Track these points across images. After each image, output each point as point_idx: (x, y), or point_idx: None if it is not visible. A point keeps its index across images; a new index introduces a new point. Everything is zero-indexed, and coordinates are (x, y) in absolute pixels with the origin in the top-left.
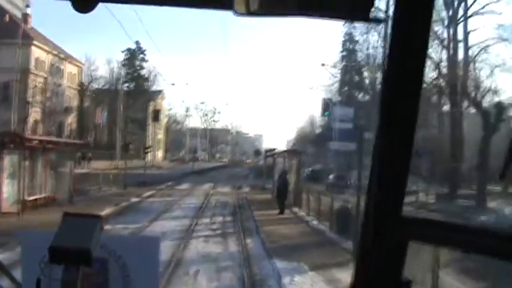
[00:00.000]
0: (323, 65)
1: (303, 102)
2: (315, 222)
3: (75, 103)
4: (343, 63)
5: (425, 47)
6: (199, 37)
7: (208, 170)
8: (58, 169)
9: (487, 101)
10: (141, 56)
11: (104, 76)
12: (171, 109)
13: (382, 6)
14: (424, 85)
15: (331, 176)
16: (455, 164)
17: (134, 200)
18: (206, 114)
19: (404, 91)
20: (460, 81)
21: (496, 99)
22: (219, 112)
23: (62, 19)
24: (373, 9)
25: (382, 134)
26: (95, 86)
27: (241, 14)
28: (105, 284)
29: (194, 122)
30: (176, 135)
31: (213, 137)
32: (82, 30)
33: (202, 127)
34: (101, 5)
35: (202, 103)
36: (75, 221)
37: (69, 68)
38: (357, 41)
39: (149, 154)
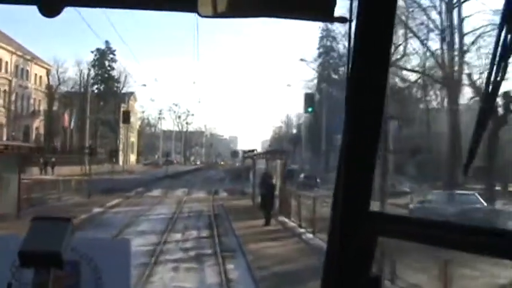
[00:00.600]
0: (302, 60)
1: (278, 101)
2: (309, 236)
3: (43, 106)
4: (320, 59)
5: (389, 45)
6: (169, 39)
7: (182, 173)
8: (3, 177)
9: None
10: (111, 56)
11: (73, 78)
12: (143, 111)
13: (346, 5)
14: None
15: (301, 176)
16: (452, 161)
17: (96, 210)
18: (179, 117)
19: (369, 90)
20: (458, 71)
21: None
22: (193, 114)
23: (28, 20)
24: (336, 9)
25: (349, 131)
26: (64, 88)
27: (206, 16)
28: (77, 287)
29: (167, 124)
30: (150, 139)
31: (188, 140)
32: (50, 32)
33: (176, 129)
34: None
35: (176, 105)
36: (45, 224)
37: (35, 70)
38: (334, 38)
39: (121, 158)
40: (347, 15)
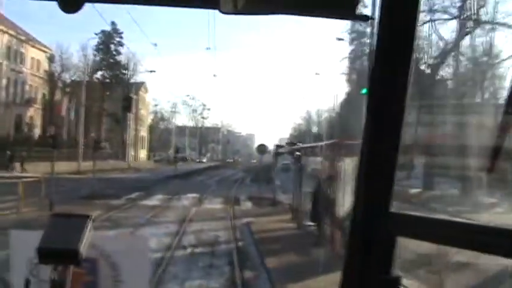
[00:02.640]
0: (339, 39)
1: (298, 98)
2: None
3: (40, 94)
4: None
5: (412, 43)
6: (187, 34)
7: (195, 172)
8: None
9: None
10: (118, 39)
11: (78, 65)
12: (157, 105)
13: (369, 3)
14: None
15: None
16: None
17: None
18: (195, 111)
19: (391, 90)
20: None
21: None
22: (209, 108)
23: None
24: (359, 7)
25: (370, 132)
26: (67, 76)
27: (228, 13)
28: (95, 284)
29: (182, 119)
30: (163, 133)
31: (203, 136)
32: (55, 15)
33: (190, 124)
34: None
35: (192, 98)
36: (63, 221)
37: (32, 53)
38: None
39: (131, 154)
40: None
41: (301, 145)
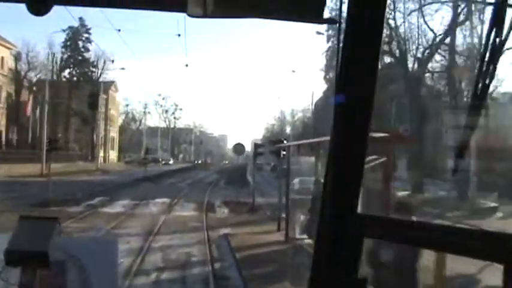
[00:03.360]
0: (319, 33)
1: (270, 98)
2: None
3: (4, 93)
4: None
5: (379, 47)
6: (156, 36)
7: (167, 174)
8: None
9: None
10: (86, 35)
11: (44, 63)
12: (128, 105)
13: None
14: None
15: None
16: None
17: None
18: (166, 111)
19: (358, 92)
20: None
21: None
22: (181, 109)
23: None
24: (326, 11)
25: (337, 132)
26: (33, 74)
27: (196, 16)
28: (63, 286)
29: (154, 120)
30: (134, 134)
31: (175, 136)
32: (19, 13)
33: (162, 126)
34: None
35: (162, 98)
36: (32, 223)
37: None
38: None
39: (100, 155)
40: (336, 17)
41: (289, 143)
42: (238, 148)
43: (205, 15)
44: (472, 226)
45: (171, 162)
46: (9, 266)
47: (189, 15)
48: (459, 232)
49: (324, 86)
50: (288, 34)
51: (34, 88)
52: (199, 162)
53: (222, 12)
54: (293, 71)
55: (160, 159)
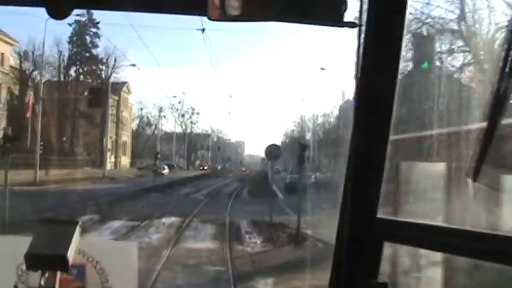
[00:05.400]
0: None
1: (291, 102)
2: None
3: (4, 93)
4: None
5: (399, 50)
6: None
7: (180, 182)
8: None
9: None
10: (94, 30)
11: (48, 60)
12: (142, 108)
13: (356, 10)
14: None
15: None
16: None
17: None
18: (183, 115)
19: (378, 95)
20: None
21: None
22: (198, 113)
23: None
24: (346, 14)
25: (357, 136)
26: (37, 73)
27: (216, 20)
28: None
29: (169, 125)
30: (149, 140)
31: (192, 142)
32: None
33: (178, 131)
34: None
35: (179, 101)
36: (51, 227)
37: None
38: None
39: (111, 160)
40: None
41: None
42: (273, 151)
43: (225, 18)
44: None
45: (164, 171)
46: (30, 270)
47: (209, 18)
48: (490, 238)
49: (351, 87)
50: (313, 30)
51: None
52: (218, 168)
53: (242, 15)
54: (322, 69)
55: (175, 166)
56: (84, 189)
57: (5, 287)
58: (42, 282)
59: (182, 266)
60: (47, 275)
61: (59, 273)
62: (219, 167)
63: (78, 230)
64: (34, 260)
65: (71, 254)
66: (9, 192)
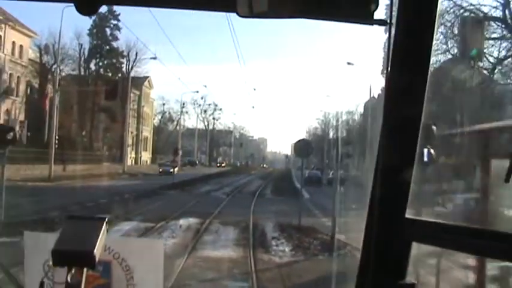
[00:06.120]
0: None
1: (315, 99)
2: None
3: (22, 85)
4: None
5: (429, 49)
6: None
7: (200, 180)
8: None
9: None
10: (114, 22)
11: (67, 53)
12: (164, 104)
13: (386, 8)
14: None
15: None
16: None
17: None
18: (205, 111)
19: (408, 94)
20: None
21: None
22: (221, 109)
23: None
24: (377, 12)
25: (386, 137)
26: (61, 68)
27: (245, 16)
28: (109, 286)
29: (191, 121)
30: (171, 135)
31: (214, 138)
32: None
33: (200, 127)
34: None
35: (201, 98)
36: (79, 223)
37: (13, 37)
38: None
39: (130, 156)
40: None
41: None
42: (304, 147)
43: (253, 15)
44: None
45: (173, 170)
46: (56, 266)
47: (238, 15)
48: None
49: (380, 84)
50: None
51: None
52: (238, 165)
53: (270, 12)
54: (348, 63)
55: (197, 162)
56: (100, 186)
57: (32, 282)
58: (69, 279)
59: (198, 282)
60: (73, 271)
61: (85, 270)
62: (238, 164)
63: (105, 226)
64: (61, 256)
65: (97, 251)
66: (17, 188)
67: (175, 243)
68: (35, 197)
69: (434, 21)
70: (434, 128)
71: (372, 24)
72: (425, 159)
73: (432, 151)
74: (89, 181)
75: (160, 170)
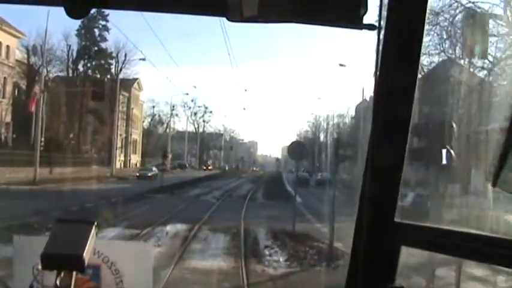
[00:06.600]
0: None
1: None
2: None
3: (10, 87)
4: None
5: (418, 53)
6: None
7: (190, 183)
8: None
9: None
10: (103, 22)
11: (60, 56)
12: (154, 106)
13: (375, 12)
14: None
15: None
16: None
17: None
18: (195, 114)
19: (397, 98)
20: None
21: None
22: (211, 111)
23: None
24: (366, 16)
25: (376, 141)
26: (49, 69)
27: (235, 21)
28: None
29: (181, 124)
30: (161, 138)
31: (204, 141)
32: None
33: (190, 129)
34: None
35: (192, 100)
36: (68, 227)
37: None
38: None
39: (118, 159)
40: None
41: None
42: (298, 149)
43: (244, 20)
44: None
45: (151, 174)
46: (46, 270)
47: (228, 19)
48: (505, 243)
49: (372, 86)
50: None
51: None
52: (227, 169)
53: (261, 17)
54: (341, 65)
55: (187, 165)
56: (86, 190)
57: (21, 286)
58: (58, 282)
59: None
60: (62, 275)
61: (74, 274)
62: (226, 168)
63: (94, 230)
64: (50, 260)
65: (87, 254)
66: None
67: (161, 252)
68: (15, 201)
69: (424, 24)
70: (454, 126)
71: (361, 28)
72: (444, 161)
73: (452, 152)
74: (75, 184)
75: (138, 174)
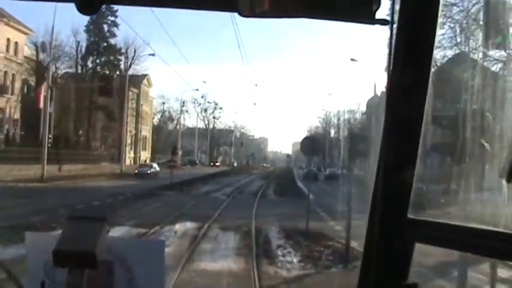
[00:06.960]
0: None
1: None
2: None
3: (18, 83)
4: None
5: (431, 48)
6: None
7: (200, 179)
8: None
9: None
10: (112, 18)
11: (69, 53)
12: (164, 103)
13: (387, 6)
14: None
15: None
16: None
17: None
18: (205, 110)
19: (410, 94)
20: None
21: None
22: (221, 108)
23: None
24: (378, 11)
25: (388, 137)
26: (58, 65)
27: (246, 16)
28: (110, 287)
29: (192, 120)
30: (171, 135)
31: (214, 138)
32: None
33: (202, 125)
34: None
35: (202, 96)
36: (80, 223)
37: (8, 33)
38: None
39: (128, 156)
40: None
41: None
42: (310, 144)
43: (256, 15)
44: None
45: (150, 171)
46: (57, 266)
47: (240, 14)
48: None
49: (384, 81)
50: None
51: (58, 80)
52: (235, 165)
53: (273, 12)
54: (352, 60)
55: (197, 162)
56: (95, 187)
57: (33, 283)
58: (70, 279)
59: None
60: (74, 271)
61: (86, 270)
62: (235, 164)
63: (106, 226)
64: (62, 256)
65: (99, 251)
66: (6, 189)
67: (169, 252)
68: (21, 199)
69: (437, 19)
70: (489, 116)
71: (374, 23)
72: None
73: (487, 145)
74: (84, 181)
75: (136, 171)
